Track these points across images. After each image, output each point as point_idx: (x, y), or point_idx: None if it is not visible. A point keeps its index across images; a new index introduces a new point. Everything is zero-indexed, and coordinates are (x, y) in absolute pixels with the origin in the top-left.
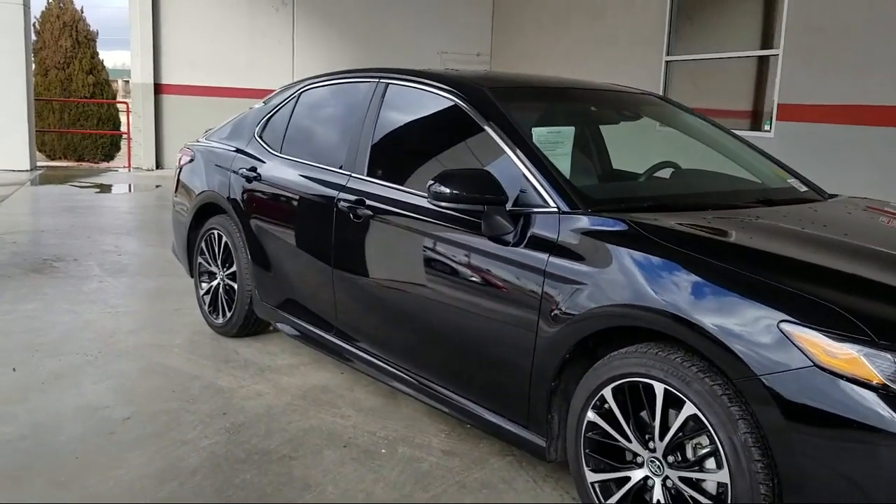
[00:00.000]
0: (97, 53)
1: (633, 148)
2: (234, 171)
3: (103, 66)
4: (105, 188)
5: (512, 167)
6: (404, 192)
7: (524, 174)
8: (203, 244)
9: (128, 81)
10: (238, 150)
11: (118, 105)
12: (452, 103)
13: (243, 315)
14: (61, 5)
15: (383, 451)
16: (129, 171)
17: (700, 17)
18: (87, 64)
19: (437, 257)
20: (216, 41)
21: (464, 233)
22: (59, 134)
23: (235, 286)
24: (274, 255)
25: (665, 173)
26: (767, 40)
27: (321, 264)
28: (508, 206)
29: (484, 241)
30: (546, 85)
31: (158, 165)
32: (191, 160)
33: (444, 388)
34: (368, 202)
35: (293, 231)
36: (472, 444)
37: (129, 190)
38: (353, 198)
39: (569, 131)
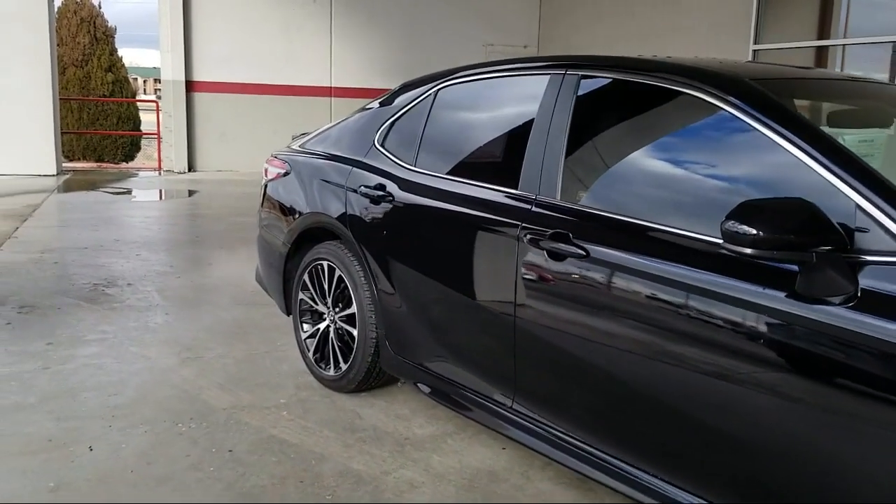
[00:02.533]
0: (116, 50)
1: None
2: (353, 190)
3: (122, 64)
4: (139, 196)
5: (827, 193)
6: (645, 226)
7: (857, 203)
8: (307, 277)
9: (147, 80)
10: (355, 163)
11: (137, 104)
12: (709, 104)
13: (365, 368)
14: (78, 0)
15: None
16: (160, 174)
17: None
18: (105, 61)
19: (703, 318)
20: (250, 35)
21: (758, 287)
22: (76, 134)
23: (355, 332)
24: (415, 296)
25: None
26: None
27: (495, 313)
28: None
29: (792, 302)
30: (826, 77)
31: (190, 168)
32: (285, 174)
33: (684, 489)
34: (578, 239)
35: (447, 268)
36: None
37: (163, 197)
38: (547, 230)
39: (881, 137)
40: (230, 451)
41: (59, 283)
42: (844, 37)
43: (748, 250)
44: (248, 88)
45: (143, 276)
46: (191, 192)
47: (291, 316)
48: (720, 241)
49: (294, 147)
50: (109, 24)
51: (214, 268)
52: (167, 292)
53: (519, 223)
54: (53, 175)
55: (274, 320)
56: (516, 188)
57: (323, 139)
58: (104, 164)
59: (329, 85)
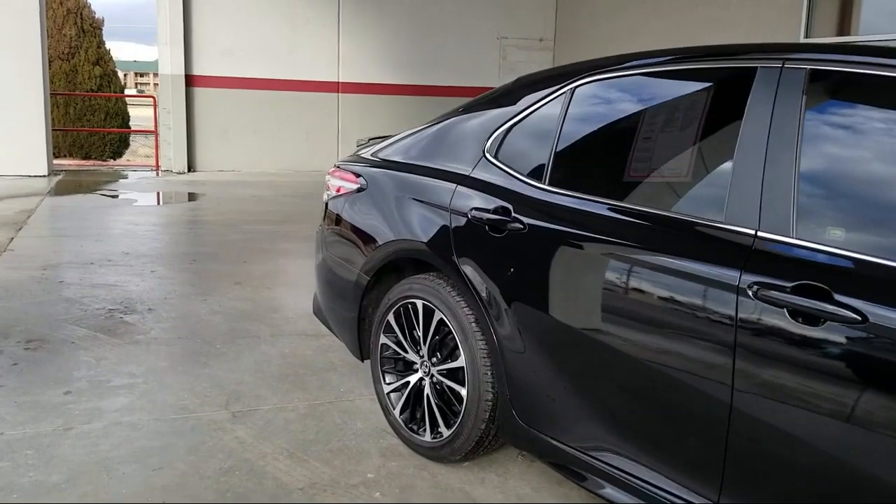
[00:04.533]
0: (104, 43)
1: None
2: (460, 213)
3: (110, 57)
4: (140, 199)
5: None
6: None
7: None
8: (392, 318)
9: (127, 74)
10: (459, 179)
11: (125, 99)
12: None
13: (476, 437)
14: None
15: None
16: (158, 174)
17: None
18: (93, 54)
19: None
20: (253, 27)
21: None
22: (63, 131)
23: (462, 391)
24: (560, 355)
25: None
26: None
27: (696, 388)
28: None
29: None
30: None
31: (190, 167)
32: (359, 189)
33: None
34: (846, 295)
35: (615, 323)
36: None
37: (167, 201)
38: (787, 282)
39: None
40: None
41: (69, 308)
42: None
43: None
44: (251, 83)
45: (163, 300)
46: (196, 196)
47: (369, 363)
48: None
49: (365, 156)
50: (97, 16)
51: (243, 288)
52: (195, 320)
53: (738, 270)
54: (45, 176)
55: (328, 357)
56: (720, 220)
57: (407, 147)
58: (94, 162)
59: (336, 80)
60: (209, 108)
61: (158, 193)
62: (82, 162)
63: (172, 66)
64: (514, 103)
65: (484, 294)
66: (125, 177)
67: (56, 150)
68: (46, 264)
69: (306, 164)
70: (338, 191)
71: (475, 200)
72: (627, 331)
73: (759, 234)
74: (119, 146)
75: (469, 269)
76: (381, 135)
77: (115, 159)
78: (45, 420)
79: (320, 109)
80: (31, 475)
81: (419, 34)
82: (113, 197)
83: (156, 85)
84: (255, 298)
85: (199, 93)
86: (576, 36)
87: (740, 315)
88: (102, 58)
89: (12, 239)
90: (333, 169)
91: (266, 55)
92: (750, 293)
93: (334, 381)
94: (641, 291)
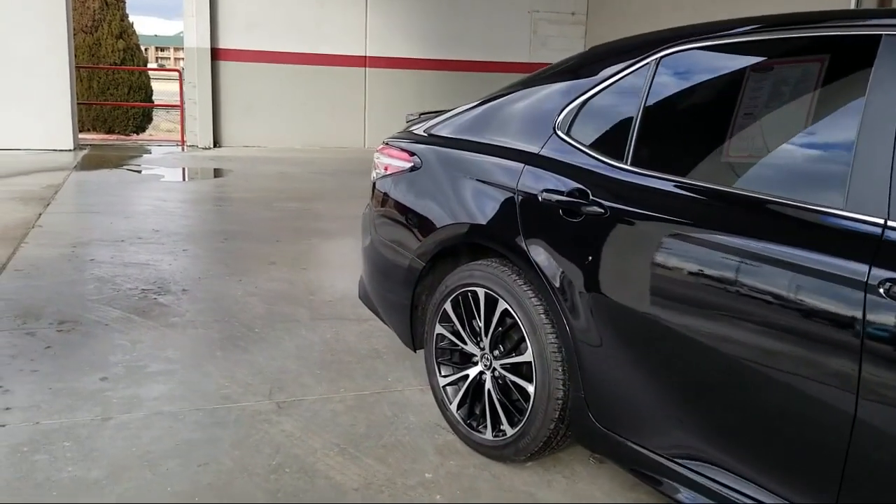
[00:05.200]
0: (127, 16)
1: None
2: (528, 194)
3: (133, 31)
4: (167, 175)
5: None
6: None
7: None
8: (449, 306)
9: (147, 48)
10: (527, 158)
11: (149, 73)
12: None
13: (544, 436)
14: None
15: None
16: (184, 149)
17: None
18: (116, 27)
19: None
20: None
21: None
22: (86, 105)
23: (529, 388)
24: (647, 353)
25: None
26: None
27: (813, 395)
28: None
29: None
30: None
31: (216, 143)
32: (412, 168)
33: None
34: None
35: (713, 320)
36: None
37: (194, 176)
38: None
39: None
40: None
41: (101, 288)
42: None
43: None
44: (277, 57)
45: (197, 280)
46: (223, 172)
47: (421, 353)
48: None
49: (418, 133)
50: None
51: (279, 269)
52: (231, 302)
53: (865, 264)
54: (70, 150)
55: (372, 343)
56: (841, 207)
57: (465, 124)
58: (118, 137)
59: (363, 54)
60: (235, 82)
61: (185, 169)
62: (106, 136)
63: (198, 39)
64: (589, 75)
65: (557, 283)
66: (150, 152)
67: (80, 125)
68: (76, 241)
69: (332, 140)
70: (386, 169)
71: (546, 181)
72: (731, 329)
73: (890, 223)
74: (142, 120)
75: (540, 257)
76: (431, 110)
77: (137, 134)
78: (82, 408)
79: (347, 84)
80: (69, 469)
81: (448, 7)
82: (139, 172)
83: (176, 59)
84: (291, 279)
85: (225, 67)
86: (610, 9)
87: (868, 316)
88: (126, 31)
89: (40, 215)
90: (382, 146)
91: (292, 28)
92: (881, 291)
93: (380, 370)
94: (744, 285)
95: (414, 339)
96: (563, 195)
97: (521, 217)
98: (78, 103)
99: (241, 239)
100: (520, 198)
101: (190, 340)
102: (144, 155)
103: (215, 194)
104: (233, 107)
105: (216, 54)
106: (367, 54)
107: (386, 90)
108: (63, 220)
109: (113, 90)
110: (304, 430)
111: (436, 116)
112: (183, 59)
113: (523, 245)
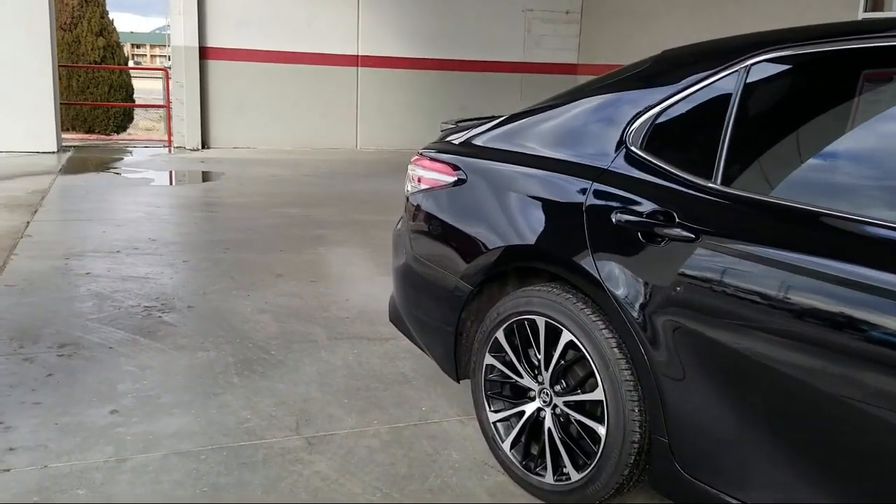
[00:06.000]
0: (107, 13)
1: None
2: (597, 216)
3: (114, 28)
4: (157, 179)
5: None
6: None
7: None
8: (501, 335)
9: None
10: (595, 174)
11: (130, 71)
12: None
13: (616, 483)
14: None
15: None
16: (171, 151)
17: None
18: (96, 24)
19: None
20: None
21: None
22: (67, 105)
23: (600, 430)
24: (753, 399)
25: None
26: None
27: None
28: None
29: None
30: None
31: (204, 144)
32: (456, 182)
33: None
34: None
35: (830, 361)
36: None
37: (185, 180)
38: None
39: None
40: None
41: (101, 305)
42: None
43: None
44: (267, 56)
45: (202, 295)
46: (214, 176)
47: (471, 384)
48: None
49: (458, 143)
50: None
51: (286, 281)
52: (241, 320)
53: None
54: (54, 152)
55: (398, 366)
56: None
57: (516, 134)
58: (99, 137)
59: (356, 53)
60: (223, 82)
61: (175, 172)
62: (86, 136)
63: (186, 37)
64: (665, 84)
65: (636, 314)
66: (135, 153)
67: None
68: (69, 252)
69: (323, 142)
70: (420, 181)
71: (620, 201)
72: (853, 371)
73: None
74: (123, 120)
75: (615, 284)
76: (469, 117)
77: (118, 133)
78: (93, 448)
79: (338, 84)
80: None
81: (441, 6)
82: (127, 176)
83: (153, 57)
84: (302, 294)
85: (214, 66)
86: (605, 8)
87: None
88: (106, 28)
89: (28, 223)
90: (418, 157)
91: (283, 27)
92: None
93: (412, 398)
94: (867, 324)
95: (458, 368)
96: (641, 217)
97: (591, 240)
98: (70, 104)
99: (242, 248)
100: (588, 219)
101: (202, 365)
102: (131, 157)
103: (209, 199)
104: (221, 107)
105: (204, 53)
106: (360, 53)
107: (378, 90)
108: (53, 228)
109: (93, 89)
110: (340, 471)
111: (475, 125)
112: (160, 56)
113: (594, 272)
